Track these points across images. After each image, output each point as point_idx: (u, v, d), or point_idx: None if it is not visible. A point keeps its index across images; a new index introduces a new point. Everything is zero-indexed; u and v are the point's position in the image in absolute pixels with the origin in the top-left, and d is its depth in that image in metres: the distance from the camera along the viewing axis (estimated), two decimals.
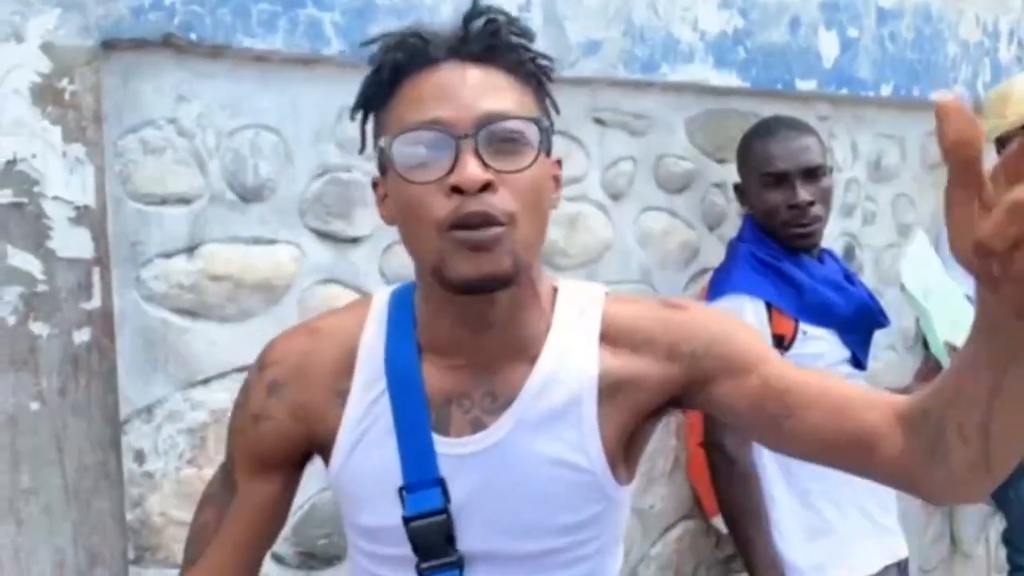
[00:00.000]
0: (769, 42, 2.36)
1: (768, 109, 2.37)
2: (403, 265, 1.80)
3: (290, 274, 1.67)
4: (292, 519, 1.65)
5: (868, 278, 2.76)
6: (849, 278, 2.21)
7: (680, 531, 2.35)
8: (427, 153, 0.96)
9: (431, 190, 0.96)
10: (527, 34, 1.03)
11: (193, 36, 1.50)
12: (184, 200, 1.55)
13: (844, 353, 2.11)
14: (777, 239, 2.11)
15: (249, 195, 1.62)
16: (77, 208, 1.40)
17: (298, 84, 1.65)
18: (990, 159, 3.07)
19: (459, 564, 1.04)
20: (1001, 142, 2.78)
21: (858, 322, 2.14)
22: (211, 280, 1.58)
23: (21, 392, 1.36)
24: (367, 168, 1.75)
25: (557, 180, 1.07)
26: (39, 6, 1.36)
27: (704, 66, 2.23)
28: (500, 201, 0.95)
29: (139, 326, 1.51)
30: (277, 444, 1.09)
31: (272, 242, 1.65)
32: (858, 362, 2.14)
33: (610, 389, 1.04)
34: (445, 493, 1.03)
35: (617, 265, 2.18)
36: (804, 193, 2.06)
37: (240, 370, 1.62)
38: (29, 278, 1.36)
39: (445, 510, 1.03)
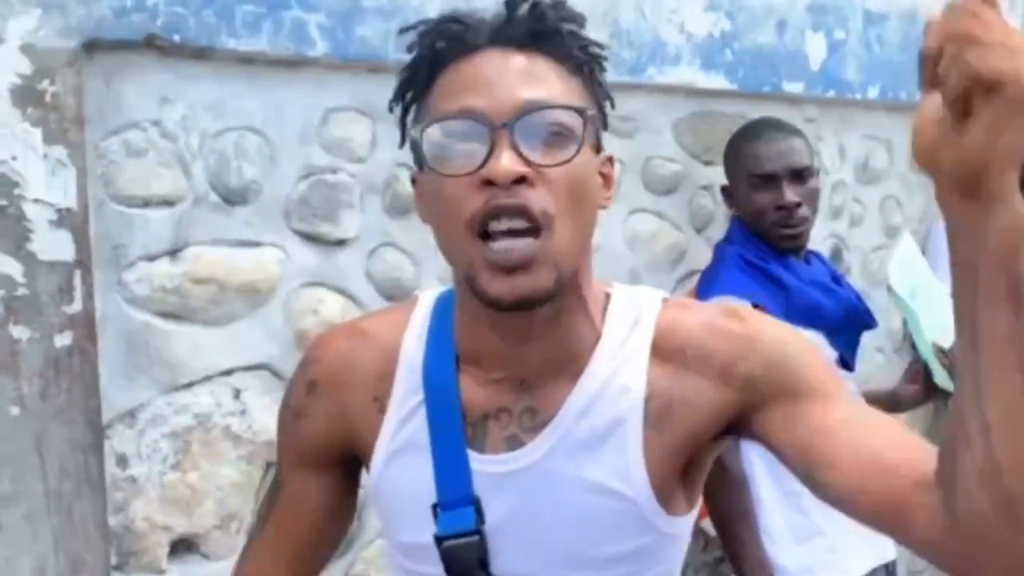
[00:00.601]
0: (756, 44, 2.36)
1: (755, 111, 2.37)
2: (389, 268, 1.79)
3: (275, 277, 1.66)
4: None
5: (855, 280, 2.76)
6: (837, 279, 2.21)
7: None
8: (460, 144, 0.89)
9: (463, 184, 0.88)
10: (577, 19, 0.94)
11: (177, 37, 1.49)
12: (168, 202, 1.54)
13: (832, 354, 2.11)
14: (765, 241, 2.12)
15: (233, 197, 1.61)
16: (59, 211, 1.38)
17: (283, 86, 1.64)
18: None
19: None
20: None
21: (846, 323, 2.14)
22: (195, 283, 1.56)
23: (1, 397, 1.35)
24: (352, 170, 1.74)
25: (607, 179, 0.97)
26: (19, 7, 1.34)
27: (691, 68, 2.23)
28: (537, 197, 0.88)
29: (122, 329, 1.50)
30: (316, 443, 1.04)
31: (257, 244, 1.63)
32: (846, 363, 2.14)
33: (659, 411, 0.95)
34: (479, 513, 0.97)
35: (605, 267, 2.17)
36: (791, 194, 2.06)
37: (225, 373, 1.61)
38: (10, 281, 1.35)
39: (478, 531, 0.97)
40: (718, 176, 2.28)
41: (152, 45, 1.48)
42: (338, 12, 1.65)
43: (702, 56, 2.24)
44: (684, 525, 1.00)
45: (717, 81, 2.28)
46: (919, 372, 2.38)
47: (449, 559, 0.97)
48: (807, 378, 0.93)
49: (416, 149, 0.93)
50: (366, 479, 1.04)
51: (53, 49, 1.37)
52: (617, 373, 0.96)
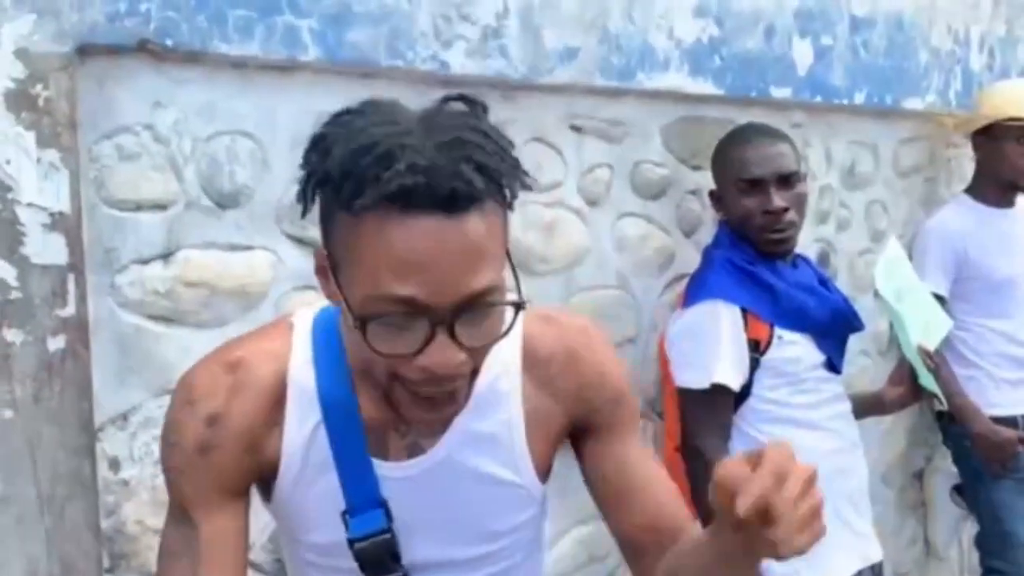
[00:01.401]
0: (744, 50, 2.38)
1: (743, 116, 2.39)
2: None
3: (266, 280, 1.66)
4: (269, 528, 1.65)
5: (842, 284, 2.78)
6: (824, 283, 2.23)
7: None
8: (398, 326, 0.90)
9: (396, 358, 0.92)
10: (508, 157, 0.92)
11: (169, 42, 1.50)
12: (160, 206, 1.54)
13: (819, 357, 2.12)
14: (752, 245, 2.13)
15: (225, 201, 1.61)
16: (52, 214, 1.39)
17: (275, 90, 1.65)
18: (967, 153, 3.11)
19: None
20: (976, 135, 2.89)
21: (833, 326, 2.16)
22: (186, 286, 1.57)
23: None
24: None
25: None
26: (13, 12, 1.35)
27: (680, 74, 2.24)
28: (468, 365, 0.94)
29: (114, 333, 1.51)
30: (231, 471, 1.04)
31: (248, 248, 1.64)
32: (833, 366, 2.16)
33: (532, 413, 1.10)
34: (388, 514, 1.07)
35: (594, 271, 2.19)
36: (779, 199, 2.08)
37: None
38: (3, 285, 1.35)
39: (388, 529, 1.07)
40: (706, 180, 2.29)
41: (145, 50, 1.49)
42: (329, 17, 1.66)
43: (690, 61, 2.26)
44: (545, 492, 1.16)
45: (705, 86, 2.30)
46: (904, 375, 2.40)
47: (362, 557, 1.07)
48: (630, 416, 1.15)
49: (348, 308, 0.92)
50: (264, 502, 1.11)
51: (46, 54, 1.38)
52: (499, 379, 1.08)
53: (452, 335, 0.90)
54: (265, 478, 1.08)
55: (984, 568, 2.91)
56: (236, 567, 1.05)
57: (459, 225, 0.88)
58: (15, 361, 1.36)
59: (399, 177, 0.86)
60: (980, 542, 2.94)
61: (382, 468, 1.07)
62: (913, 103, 2.93)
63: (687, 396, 2.07)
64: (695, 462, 2.04)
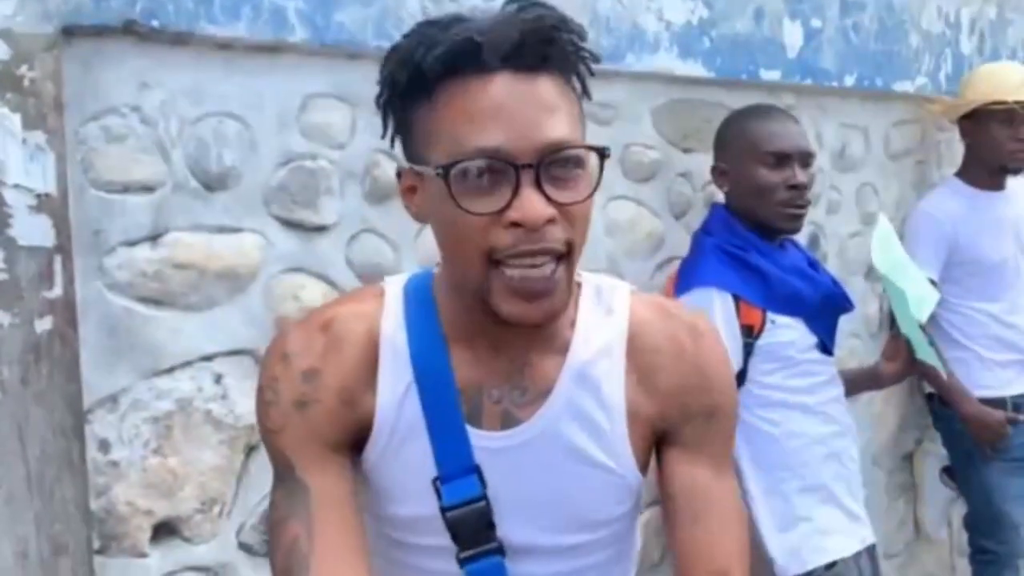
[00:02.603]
0: (734, 32, 2.38)
1: (733, 99, 2.39)
2: (370, 254, 1.80)
3: (255, 263, 1.66)
4: (260, 507, 1.65)
5: (832, 266, 2.79)
6: (813, 265, 2.24)
7: (648, 516, 2.36)
8: (485, 182, 0.92)
9: (487, 219, 0.92)
10: (580, 32, 0.96)
11: (155, 23, 1.49)
12: (147, 188, 1.54)
13: (812, 340, 2.13)
14: (756, 225, 2.13)
15: (213, 183, 1.61)
16: (38, 196, 1.39)
17: (262, 72, 1.64)
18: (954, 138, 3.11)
19: (501, 551, 1.04)
20: (962, 120, 2.89)
21: (824, 309, 2.17)
22: (175, 269, 1.57)
23: None
24: (332, 156, 1.75)
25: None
26: None
27: (669, 56, 2.24)
28: (561, 232, 0.94)
29: (102, 315, 1.51)
30: (332, 425, 1.01)
31: (237, 231, 1.64)
32: (826, 348, 2.16)
33: (633, 402, 1.06)
34: (482, 480, 1.03)
35: (584, 254, 2.18)
36: (802, 175, 2.11)
37: (206, 359, 1.61)
38: None
39: (484, 496, 1.02)
40: (696, 163, 2.30)
41: (131, 31, 1.48)
42: None
43: (680, 44, 2.26)
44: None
45: (695, 69, 2.30)
46: (900, 348, 2.40)
47: (456, 527, 1.03)
48: (721, 436, 1.09)
49: (420, 160, 0.96)
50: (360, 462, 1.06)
51: (31, 34, 1.37)
52: (598, 358, 1.04)
53: (538, 185, 0.91)
54: (359, 441, 1.04)
55: (973, 548, 2.93)
56: (352, 526, 1.00)
57: (531, 81, 0.92)
58: (2, 343, 1.36)
59: (466, 32, 0.91)
60: (970, 523, 2.96)
61: (475, 437, 1.03)
62: (904, 86, 2.93)
63: None
64: None
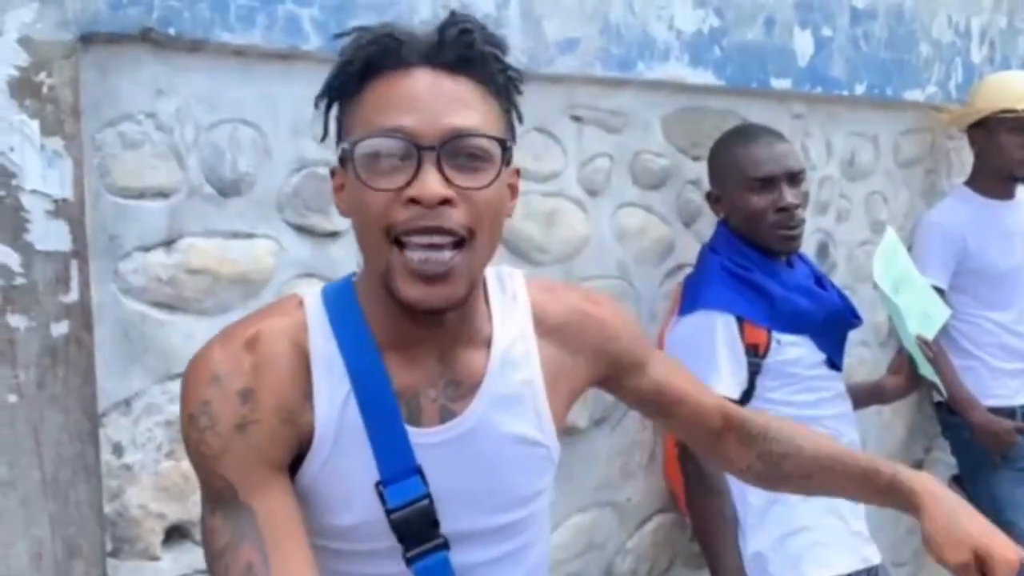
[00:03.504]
0: (744, 41, 2.39)
1: (743, 107, 2.40)
2: None
3: (268, 268, 1.68)
4: None
5: (841, 275, 2.80)
6: (820, 281, 2.22)
7: (656, 524, 2.37)
8: (388, 160, 0.97)
9: (388, 197, 0.97)
10: (501, 45, 1.03)
11: (172, 31, 1.51)
12: (162, 194, 1.56)
13: (819, 356, 2.13)
14: (757, 245, 2.13)
15: (227, 189, 1.62)
16: (55, 201, 1.40)
17: (277, 79, 1.66)
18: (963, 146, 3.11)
19: (446, 545, 1.06)
20: (971, 129, 2.90)
21: (830, 325, 2.15)
22: (189, 274, 1.58)
23: None
24: None
25: (514, 189, 1.10)
26: (17, 0, 1.36)
27: (680, 64, 2.25)
28: (459, 215, 0.97)
29: (117, 319, 1.52)
30: (274, 445, 1.01)
31: (250, 236, 1.65)
32: (833, 363, 2.16)
33: (551, 375, 1.14)
34: (423, 480, 1.05)
35: (594, 261, 2.20)
36: (790, 196, 2.09)
37: None
38: (7, 271, 1.36)
39: (427, 495, 1.05)
40: (705, 171, 2.30)
41: (147, 38, 1.50)
42: (331, 6, 1.67)
43: (691, 52, 2.27)
44: None
45: (705, 77, 2.31)
46: (904, 364, 2.41)
47: (402, 528, 1.05)
48: (645, 348, 1.27)
49: (344, 152, 1.01)
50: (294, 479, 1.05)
51: (50, 42, 1.39)
52: (516, 342, 1.12)
53: (439, 167, 0.96)
54: (297, 458, 1.04)
55: None
56: (304, 546, 1.00)
57: (449, 78, 0.99)
58: (19, 346, 1.37)
59: (390, 31, 0.99)
60: None
61: (415, 436, 1.05)
62: (913, 95, 2.93)
63: None
64: (690, 469, 2.06)
